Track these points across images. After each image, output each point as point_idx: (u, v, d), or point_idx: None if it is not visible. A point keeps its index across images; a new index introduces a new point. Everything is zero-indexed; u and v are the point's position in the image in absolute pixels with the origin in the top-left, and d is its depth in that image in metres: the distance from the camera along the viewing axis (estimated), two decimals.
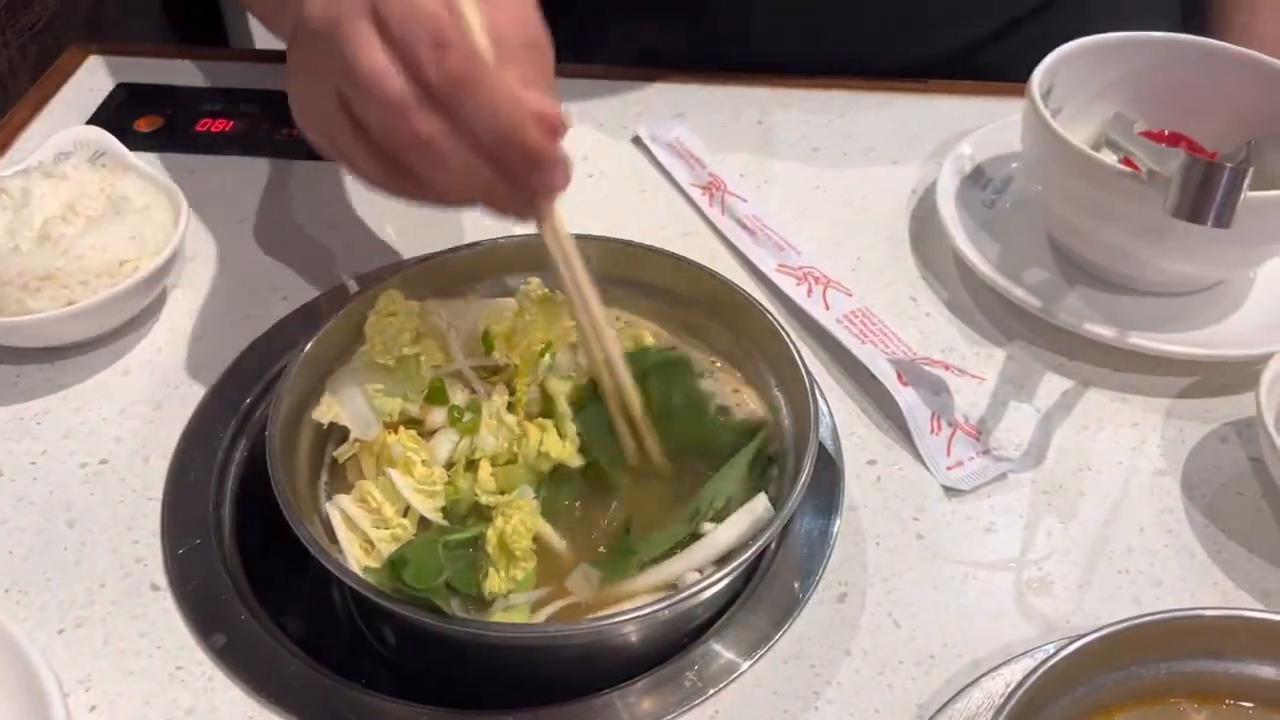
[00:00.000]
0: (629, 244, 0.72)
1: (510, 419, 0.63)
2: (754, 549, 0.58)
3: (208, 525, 0.66)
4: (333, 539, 0.60)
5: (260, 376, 0.74)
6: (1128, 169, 0.72)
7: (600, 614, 0.59)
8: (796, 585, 0.63)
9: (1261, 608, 0.63)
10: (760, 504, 0.61)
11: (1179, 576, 0.65)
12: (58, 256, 0.72)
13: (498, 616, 0.58)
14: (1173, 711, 0.53)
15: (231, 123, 0.95)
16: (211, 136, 0.93)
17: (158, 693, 0.59)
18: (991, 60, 1.01)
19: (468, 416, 0.63)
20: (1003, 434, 0.72)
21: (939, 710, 0.57)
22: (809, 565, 0.64)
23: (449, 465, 0.63)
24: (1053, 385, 0.75)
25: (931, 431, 0.71)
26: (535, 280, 0.68)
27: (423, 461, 0.61)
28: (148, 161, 0.82)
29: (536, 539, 0.59)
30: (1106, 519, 0.67)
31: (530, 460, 0.62)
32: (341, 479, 0.64)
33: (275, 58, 1.04)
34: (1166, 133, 0.82)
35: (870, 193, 0.90)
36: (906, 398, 0.71)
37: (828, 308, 0.78)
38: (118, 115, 0.95)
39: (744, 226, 0.85)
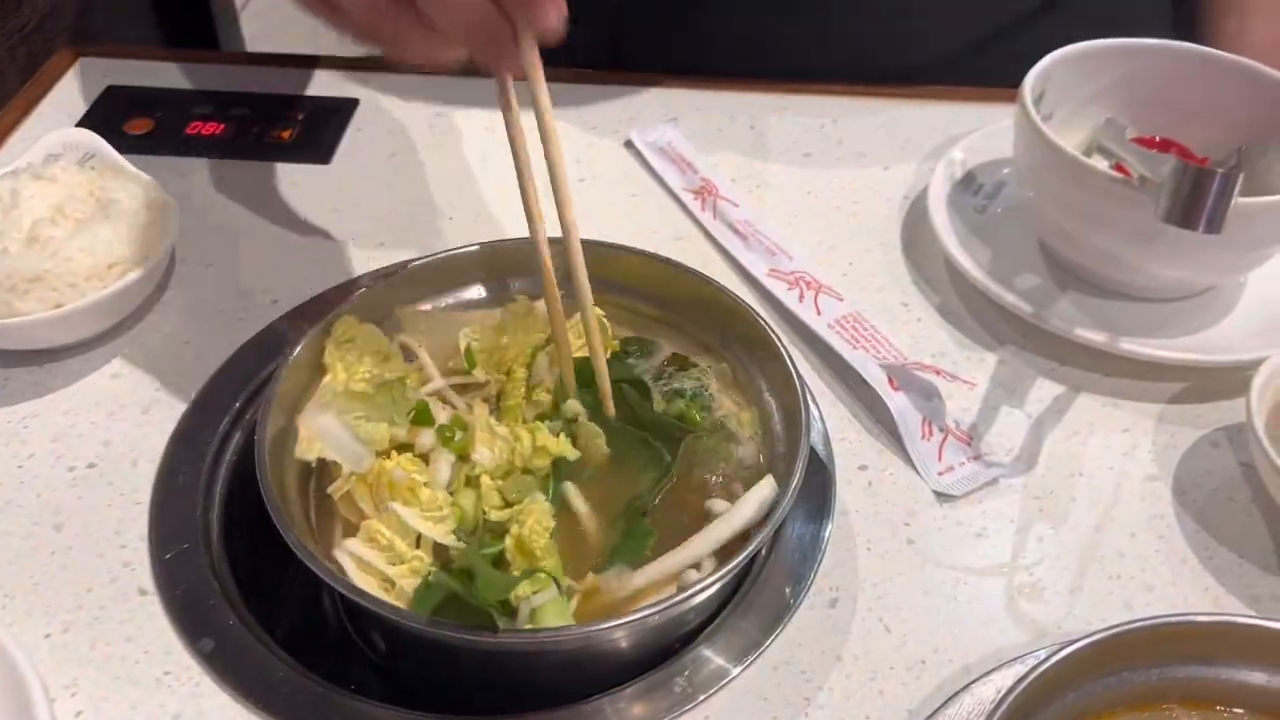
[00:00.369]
0: (621, 247, 0.72)
1: (501, 429, 0.63)
2: (753, 545, 0.57)
3: (196, 530, 0.66)
4: None
5: (250, 380, 0.74)
6: (1119, 175, 0.72)
7: (629, 602, 0.59)
8: (787, 590, 0.63)
9: (1252, 613, 0.63)
10: (768, 484, 0.61)
11: (1170, 582, 0.65)
12: (46, 259, 0.72)
13: (536, 617, 0.57)
14: (1164, 717, 0.53)
15: (221, 126, 0.94)
16: (201, 139, 0.93)
17: (145, 698, 0.59)
18: (983, 65, 1.01)
19: (459, 435, 0.63)
20: (994, 439, 0.72)
21: (930, 716, 0.57)
22: (800, 570, 0.64)
23: (449, 487, 0.62)
24: (1044, 390, 0.75)
25: (923, 437, 0.70)
26: (521, 297, 0.68)
27: (425, 484, 0.60)
28: (137, 164, 0.82)
29: (553, 534, 0.59)
30: (1098, 524, 0.67)
31: (527, 458, 0.62)
32: (331, 514, 0.63)
33: (265, 60, 1.03)
34: (1158, 139, 0.83)
35: (862, 198, 0.90)
36: (898, 403, 0.71)
37: (819, 313, 0.78)
38: (107, 118, 0.94)
39: (736, 231, 0.85)
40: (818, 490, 0.67)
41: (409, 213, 0.87)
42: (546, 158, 0.60)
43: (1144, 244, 0.74)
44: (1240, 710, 0.53)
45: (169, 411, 0.72)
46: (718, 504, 0.62)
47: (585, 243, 0.66)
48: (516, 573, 0.58)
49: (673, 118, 0.96)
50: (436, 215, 0.87)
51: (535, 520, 0.58)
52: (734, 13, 0.99)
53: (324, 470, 0.63)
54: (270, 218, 0.87)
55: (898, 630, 0.62)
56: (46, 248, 0.72)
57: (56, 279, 0.72)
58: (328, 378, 0.64)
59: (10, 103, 0.97)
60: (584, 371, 0.66)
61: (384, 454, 0.62)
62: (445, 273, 0.71)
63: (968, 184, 0.88)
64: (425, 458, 0.63)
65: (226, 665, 0.60)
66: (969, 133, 0.91)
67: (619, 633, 0.59)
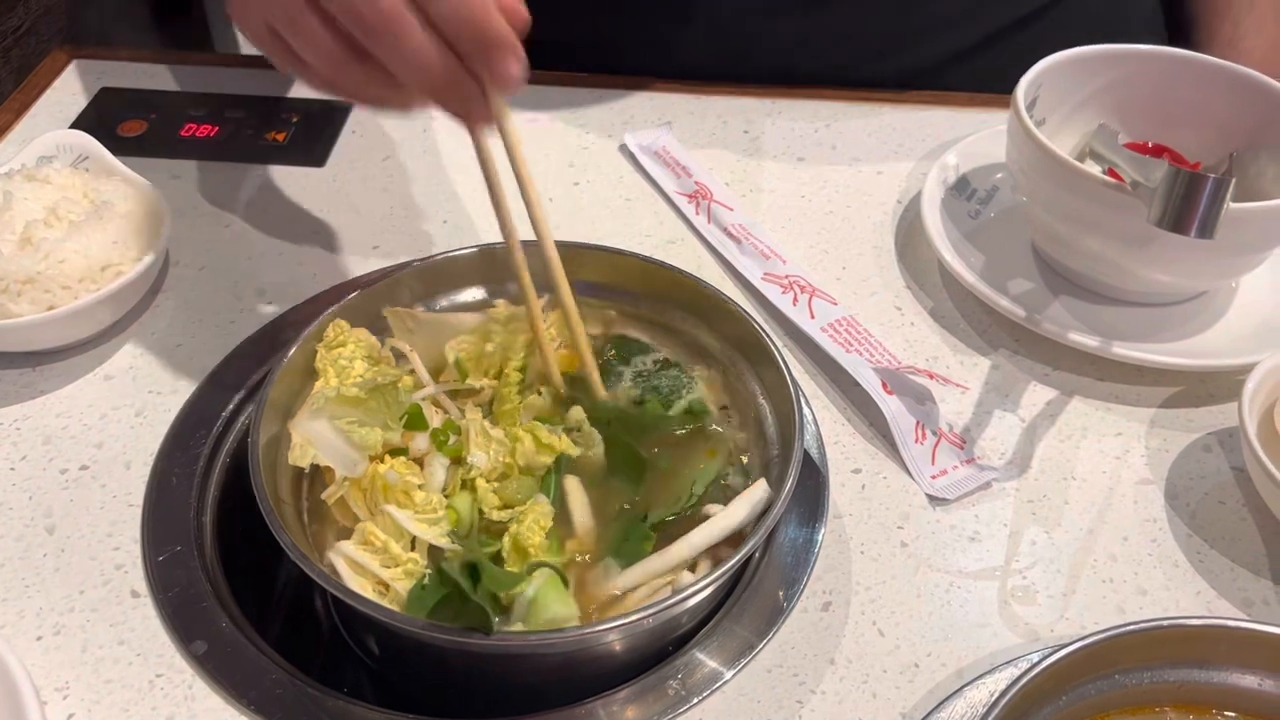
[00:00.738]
0: (614, 251, 0.72)
1: (496, 433, 0.63)
2: (747, 548, 0.57)
3: (189, 532, 0.66)
4: None
5: (243, 382, 0.74)
6: (1112, 180, 0.73)
7: (621, 600, 0.59)
8: (781, 594, 0.63)
9: (1244, 617, 0.63)
10: (761, 487, 0.61)
11: (1162, 585, 0.65)
12: (39, 260, 0.72)
13: (537, 602, 0.57)
14: None
15: (216, 128, 0.94)
16: (196, 141, 0.93)
17: (137, 701, 0.58)
18: (977, 71, 1.02)
19: (453, 439, 0.63)
20: (987, 443, 0.72)
21: None
22: (793, 574, 0.64)
23: (443, 490, 0.62)
24: (1037, 394, 0.75)
25: (916, 440, 0.71)
26: (502, 302, 0.68)
27: (419, 486, 0.60)
28: (131, 166, 0.82)
29: (550, 534, 0.59)
30: (1090, 528, 0.68)
31: (530, 457, 0.62)
32: (323, 519, 0.63)
33: (260, 64, 1.03)
34: (1150, 144, 0.83)
35: (856, 202, 0.90)
36: (891, 406, 0.71)
37: (813, 316, 0.78)
38: (102, 120, 0.94)
39: (730, 235, 0.85)
40: (811, 494, 0.67)
41: (403, 216, 0.87)
42: (515, 173, 0.61)
43: (1137, 249, 0.74)
44: (1232, 713, 0.53)
45: (162, 414, 0.72)
46: (711, 506, 0.63)
47: (582, 245, 0.66)
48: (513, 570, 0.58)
49: (667, 121, 0.97)
50: (430, 218, 0.88)
51: (533, 519, 0.59)
52: (727, 17, 0.99)
53: (317, 475, 0.63)
54: (264, 221, 0.87)
55: (891, 634, 0.62)
56: (40, 249, 0.72)
57: (50, 281, 0.72)
58: (320, 383, 0.64)
59: (4, 104, 0.97)
60: (577, 380, 0.67)
61: (378, 458, 0.62)
62: (439, 276, 0.71)
63: (961, 188, 0.88)
64: (419, 461, 0.63)
65: (219, 668, 0.59)
66: (962, 137, 0.91)
67: (613, 635, 0.59)
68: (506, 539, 0.58)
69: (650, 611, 0.55)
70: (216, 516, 0.68)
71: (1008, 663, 0.59)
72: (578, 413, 0.66)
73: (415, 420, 0.63)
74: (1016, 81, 0.79)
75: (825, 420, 0.73)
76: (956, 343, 0.79)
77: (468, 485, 0.62)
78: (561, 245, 0.64)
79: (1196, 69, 0.82)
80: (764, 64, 1.01)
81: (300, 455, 0.60)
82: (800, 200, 0.90)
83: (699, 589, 0.56)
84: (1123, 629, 0.52)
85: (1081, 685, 0.52)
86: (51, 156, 0.83)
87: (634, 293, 0.71)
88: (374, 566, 0.58)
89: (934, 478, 0.69)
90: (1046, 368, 0.77)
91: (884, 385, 0.73)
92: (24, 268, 0.71)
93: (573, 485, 0.64)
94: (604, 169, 0.93)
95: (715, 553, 0.61)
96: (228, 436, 0.72)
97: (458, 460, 0.63)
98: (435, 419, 0.65)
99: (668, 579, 0.60)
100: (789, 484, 0.59)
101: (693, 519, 0.62)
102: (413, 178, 0.91)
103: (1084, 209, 0.74)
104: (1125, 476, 0.70)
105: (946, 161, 0.89)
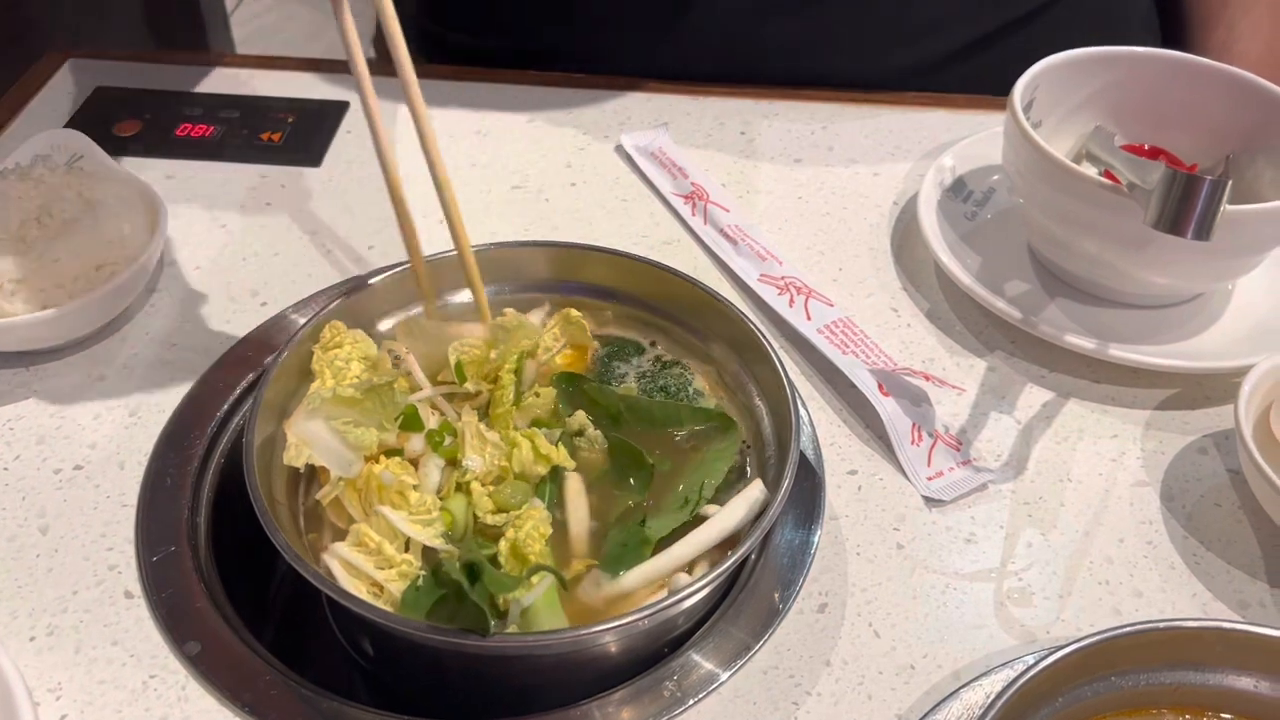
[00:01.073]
0: (610, 251, 0.72)
1: (493, 436, 0.63)
2: (743, 549, 0.57)
3: (183, 532, 0.65)
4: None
5: (238, 383, 0.73)
6: (1108, 181, 0.73)
7: (617, 603, 0.59)
8: (777, 595, 0.63)
9: (1240, 619, 0.63)
10: (757, 489, 0.61)
11: (1158, 587, 0.65)
12: (33, 260, 0.71)
13: (530, 612, 0.57)
14: None
15: (211, 128, 0.94)
16: (190, 141, 0.93)
17: (130, 702, 0.58)
18: (973, 73, 1.02)
19: (448, 440, 0.63)
20: (983, 445, 0.72)
21: None
22: (789, 575, 0.63)
23: (438, 492, 0.62)
24: (1033, 396, 0.75)
25: (912, 442, 0.71)
26: (510, 311, 0.68)
27: (414, 487, 0.60)
28: (126, 166, 0.81)
29: (548, 541, 0.59)
30: (1086, 530, 0.68)
31: (527, 467, 0.62)
32: (319, 520, 0.63)
33: (255, 63, 1.03)
34: (1146, 146, 0.83)
35: (852, 204, 0.90)
36: (887, 408, 0.71)
37: (809, 318, 0.78)
38: (96, 119, 0.94)
39: (726, 236, 0.85)
40: (807, 495, 0.67)
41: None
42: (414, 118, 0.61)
43: (1133, 250, 0.74)
44: (1228, 715, 0.53)
45: (156, 414, 0.72)
46: (708, 507, 0.62)
47: (579, 246, 0.66)
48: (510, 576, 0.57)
49: (663, 122, 0.97)
50: (426, 219, 0.87)
51: (533, 525, 0.58)
52: (723, 17, 0.99)
53: (313, 476, 0.63)
54: (259, 220, 0.87)
55: (887, 635, 0.62)
56: (34, 249, 0.72)
57: (44, 280, 0.71)
58: (316, 383, 0.63)
59: None
60: (566, 380, 0.67)
61: (373, 459, 0.62)
62: (435, 276, 0.71)
63: (957, 190, 0.88)
64: (415, 463, 0.62)
65: (213, 669, 0.59)
66: (959, 139, 0.91)
67: (608, 637, 0.59)
68: (504, 544, 0.58)
69: (646, 613, 0.55)
70: (211, 517, 0.68)
71: (1004, 664, 0.59)
72: (580, 417, 0.65)
73: (411, 421, 0.63)
74: (1013, 83, 0.79)
75: (821, 422, 0.73)
76: (953, 344, 0.79)
77: (462, 488, 0.62)
78: (561, 246, 0.64)
79: (1193, 71, 0.82)
80: (761, 65, 1.01)
81: (295, 455, 0.60)
82: (797, 201, 0.90)
83: (695, 591, 0.56)
84: (1119, 631, 0.52)
85: (1078, 687, 0.52)
86: (46, 155, 0.83)
87: (630, 294, 0.71)
88: (368, 568, 0.58)
89: (930, 479, 0.69)
90: (1043, 369, 0.77)
91: (880, 387, 0.73)
92: (18, 267, 0.71)
93: (574, 487, 0.63)
94: (600, 170, 0.93)
95: (711, 554, 0.61)
96: (222, 437, 0.71)
97: (453, 462, 0.62)
98: (431, 421, 0.64)
99: (663, 581, 0.60)
100: (785, 485, 0.59)
101: (689, 520, 0.62)
102: (408, 178, 0.91)
103: (1080, 211, 0.74)
104: (1121, 478, 0.70)
105: (943, 163, 0.89)
